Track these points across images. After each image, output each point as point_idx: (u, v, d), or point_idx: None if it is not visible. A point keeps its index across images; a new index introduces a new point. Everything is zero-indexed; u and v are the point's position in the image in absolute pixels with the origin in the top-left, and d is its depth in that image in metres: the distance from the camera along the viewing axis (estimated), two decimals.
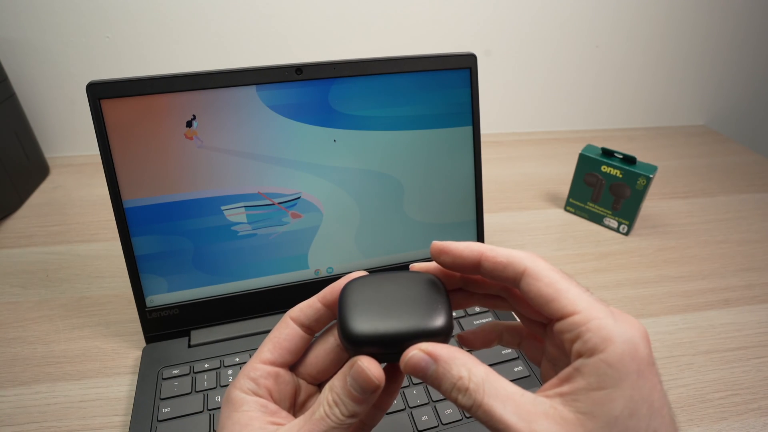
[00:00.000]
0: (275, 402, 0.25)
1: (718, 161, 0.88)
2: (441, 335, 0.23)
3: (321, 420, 0.22)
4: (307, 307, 0.26)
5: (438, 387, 0.21)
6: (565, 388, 0.20)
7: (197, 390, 0.41)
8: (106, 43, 0.72)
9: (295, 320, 0.26)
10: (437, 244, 0.25)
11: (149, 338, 0.46)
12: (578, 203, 0.70)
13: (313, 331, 0.26)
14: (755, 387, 0.45)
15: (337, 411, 0.22)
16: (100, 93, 0.39)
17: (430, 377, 0.21)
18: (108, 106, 0.39)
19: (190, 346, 0.45)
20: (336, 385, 0.23)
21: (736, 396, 0.44)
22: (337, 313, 0.24)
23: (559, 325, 0.21)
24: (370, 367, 0.22)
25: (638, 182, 0.62)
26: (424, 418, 0.40)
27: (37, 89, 0.74)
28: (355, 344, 0.23)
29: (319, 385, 0.27)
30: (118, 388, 0.43)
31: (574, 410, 0.19)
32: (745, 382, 0.45)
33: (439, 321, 0.23)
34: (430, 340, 0.22)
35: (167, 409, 0.39)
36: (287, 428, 0.22)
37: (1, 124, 0.65)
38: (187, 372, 0.43)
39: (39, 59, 0.72)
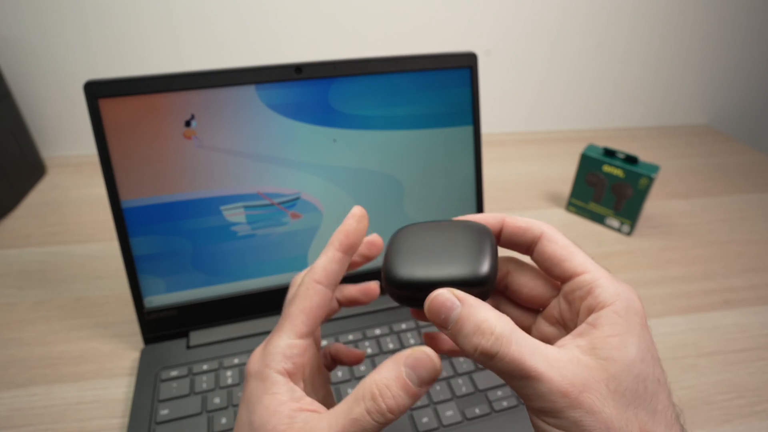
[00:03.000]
0: (307, 370, 0.24)
1: (721, 161, 0.87)
2: (482, 285, 0.23)
3: (361, 418, 0.20)
4: (330, 263, 0.25)
5: (459, 331, 0.21)
6: (581, 342, 0.21)
7: (196, 392, 0.41)
8: (103, 41, 0.72)
9: (322, 283, 0.24)
10: (456, 219, 0.26)
11: (147, 339, 0.45)
12: (580, 203, 0.69)
13: (336, 284, 0.26)
14: (760, 389, 0.45)
15: (383, 406, 0.20)
16: (97, 92, 0.38)
17: (452, 319, 0.21)
18: (106, 105, 0.39)
19: (188, 347, 0.45)
20: (384, 377, 0.21)
21: (741, 398, 0.44)
22: (384, 257, 0.25)
23: (571, 284, 0.24)
24: (431, 354, 0.22)
25: (640, 182, 0.62)
26: (424, 420, 0.39)
27: (34, 88, 0.74)
28: (397, 287, 0.23)
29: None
30: (116, 389, 0.43)
31: (595, 357, 0.20)
32: (749, 384, 0.45)
33: (483, 269, 0.23)
34: (468, 289, 0.22)
35: (165, 411, 0.39)
36: (317, 421, 0.21)
37: None
38: (186, 373, 0.42)
39: (36, 57, 0.71)
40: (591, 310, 0.22)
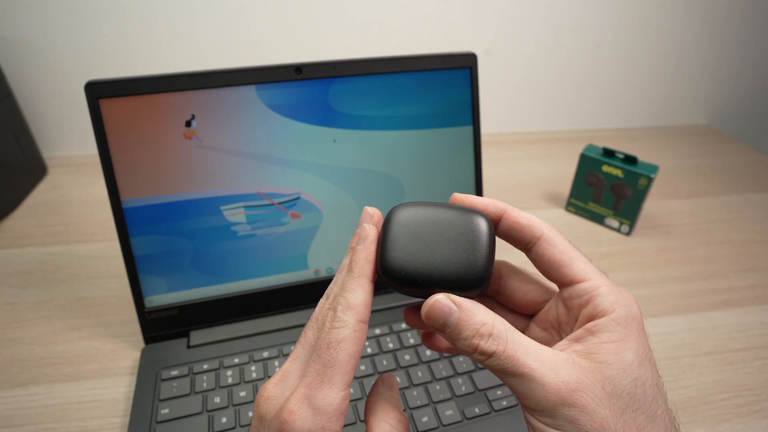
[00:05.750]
0: None
1: (721, 161, 0.87)
2: (478, 286, 0.22)
3: None
4: (369, 298, 0.23)
5: (458, 335, 0.21)
6: (578, 347, 0.21)
7: (196, 391, 0.41)
8: (104, 42, 0.72)
9: (365, 322, 0.23)
10: (458, 196, 0.25)
11: (148, 339, 0.46)
12: (579, 203, 0.69)
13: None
14: (758, 388, 0.45)
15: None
16: (98, 92, 0.39)
17: (451, 324, 0.21)
18: (106, 105, 0.39)
19: (189, 346, 0.45)
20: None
21: (739, 398, 0.44)
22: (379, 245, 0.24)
23: (570, 290, 0.23)
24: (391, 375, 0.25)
25: (639, 182, 0.62)
26: (424, 419, 0.39)
27: (35, 88, 0.74)
28: (393, 279, 0.23)
29: None
30: (117, 389, 0.43)
31: (591, 360, 0.21)
32: (747, 384, 0.45)
33: (480, 272, 0.22)
34: (462, 292, 0.22)
35: (166, 410, 0.39)
36: None
37: None
38: (186, 373, 0.42)
39: (37, 58, 0.72)
40: (590, 318, 0.22)
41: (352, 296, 0.22)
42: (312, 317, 0.24)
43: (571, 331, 0.23)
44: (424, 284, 0.22)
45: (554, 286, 0.26)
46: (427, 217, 0.23)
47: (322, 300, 0.25)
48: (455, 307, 0.21)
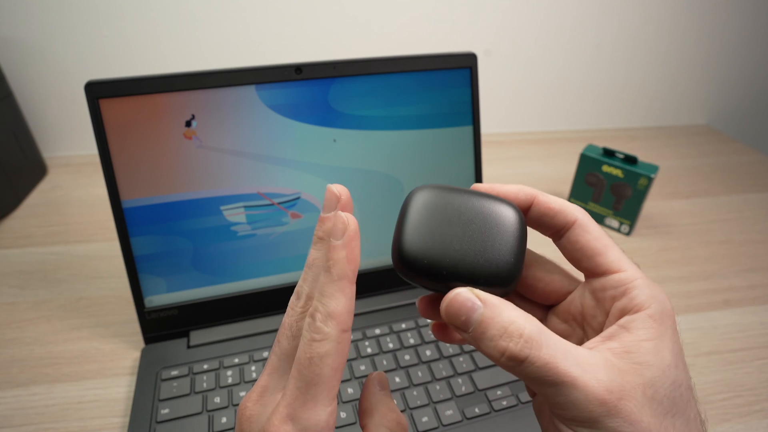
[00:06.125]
0: None
1: (721, 161, 0.87)
2: (506, 285, 0.20)
3: None
4: (352, 303, 0.20)
5: (482, 335, 0.19)
6: (613, 345, 0.20)
7: (196, 391, 0.41)
8: (104, 42, 0.72)
9: (349, 331, 0.20)
10: (481, 186, 0.23)
11: (148, 339, 0.46)
12: (579, 203, 0.69)
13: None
14: (758, 388, 0.45)
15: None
16: (98, 92, 0.39)
17: (474, 321, 0.19)
18: (106, 105, 0.39)
19: (189, 346, 0.45)
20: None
21: (739, 398, 0.44)
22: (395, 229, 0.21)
23: (602, 281, 0.22)
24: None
25: (639, 182, 0.62)
26: (424, 419, 0.39)
27: (35, 88, 0.74)
28: (410, 268, 0.20)
29: None
30: (117, 389, 0.43)
31: (629, 361, 0.19)
32: (747, 384, 0.45)
33: (511, 270, 0.20)
34: (488, 288, 0.20)
35: (166, 411, 0.39)
36: None
37: None
38: (186, 373, 0.42)
39: (37, 58, 0.72)
40: (624, 312, 0.20)
41: (332, 303, 0.19)
42: (284, 323, 0.21)
43: (598, 324, 0.22)
44: (447, 277, 0.20)
45: (580, 276, 0.24)
46: (452, 203, 0.21)
47: (292, 300, 0.21)
48: (479, 303, 0.19)
